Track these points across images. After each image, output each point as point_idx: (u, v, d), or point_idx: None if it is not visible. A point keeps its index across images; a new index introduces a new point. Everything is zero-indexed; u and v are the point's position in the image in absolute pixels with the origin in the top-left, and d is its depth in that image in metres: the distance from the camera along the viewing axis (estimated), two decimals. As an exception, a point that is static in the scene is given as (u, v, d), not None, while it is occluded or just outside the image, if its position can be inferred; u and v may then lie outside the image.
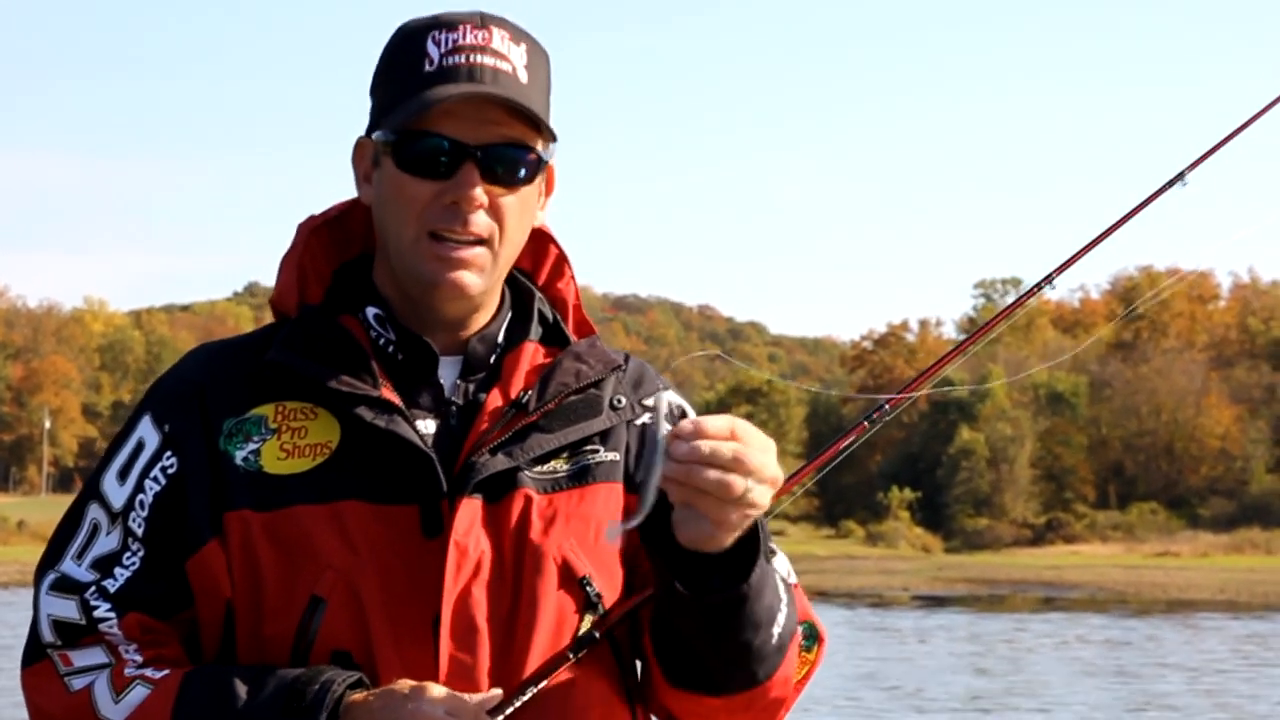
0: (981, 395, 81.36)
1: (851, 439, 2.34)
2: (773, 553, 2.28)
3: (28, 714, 2.26)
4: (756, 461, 2.04)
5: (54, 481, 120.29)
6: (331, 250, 2.37)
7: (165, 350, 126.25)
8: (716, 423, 2.04)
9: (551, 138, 2.28)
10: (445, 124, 2.22)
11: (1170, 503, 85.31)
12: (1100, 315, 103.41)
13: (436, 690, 2.12)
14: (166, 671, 2.19)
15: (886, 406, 2.40)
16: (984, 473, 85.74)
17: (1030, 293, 2.64)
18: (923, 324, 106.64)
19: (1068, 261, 2.64)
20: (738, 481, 2.03)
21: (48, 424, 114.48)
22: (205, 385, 2.29)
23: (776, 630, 2.19)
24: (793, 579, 2.34)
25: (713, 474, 2.02)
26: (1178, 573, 62.18)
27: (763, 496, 2.07)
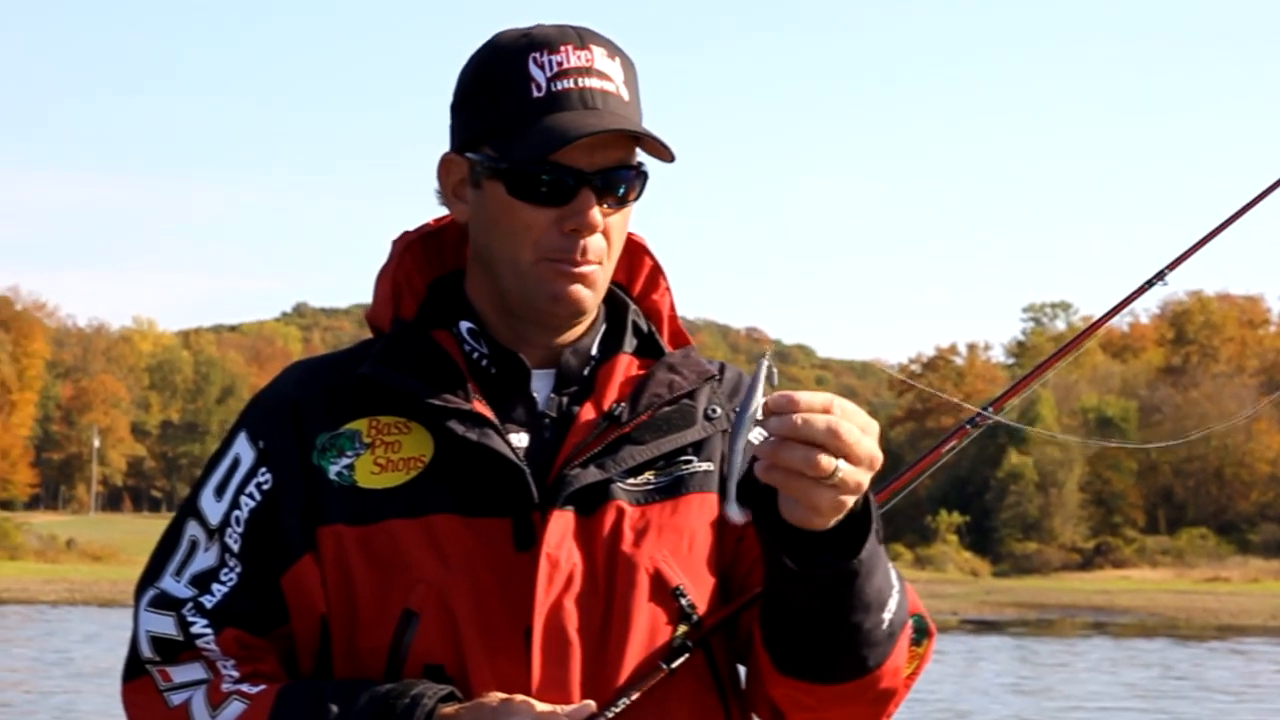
0: (1031, 419, 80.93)
1: (953, 444, 2.32)
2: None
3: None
4: (852, 438, 1.93)
5: (103, 500, 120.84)
6: (425, 265, 2.37)
7: (213, 370, 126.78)
8: (811, 396, 1.94)
9: (669, 157, 2.25)
10: (560, 152, 2.20)
11: (1220, 528, 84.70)
12: (1150, 340, 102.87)
13: (527, 702, 2.12)
14: (262, 687, 2.19)
15: (989, 410, 2.38)
16: (1033, 497, 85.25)
17: (1143, 289, 2.61)
18: (971, 347, 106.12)
19: (1185, 254, 2.60)
20: (826, 459, 1.92)
21: (97, 443, 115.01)
22: (299, 401, 2.30)
23: (887, 616, 2.12)
24: None
25: (800, 450, 1.92)
26: (1229, 598, 61.73)
27: (857, 477, 1.96)
